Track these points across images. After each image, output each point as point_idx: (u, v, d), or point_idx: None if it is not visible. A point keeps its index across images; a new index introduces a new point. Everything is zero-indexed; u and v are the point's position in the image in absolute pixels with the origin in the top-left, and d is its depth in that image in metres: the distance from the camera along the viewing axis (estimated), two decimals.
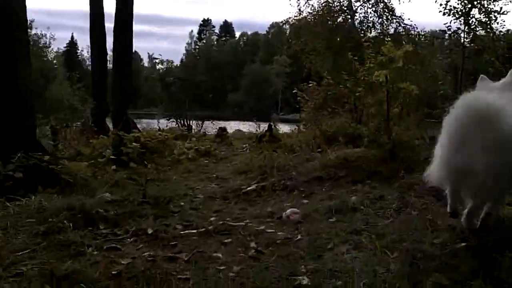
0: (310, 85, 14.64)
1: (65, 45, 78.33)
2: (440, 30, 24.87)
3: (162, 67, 14.92)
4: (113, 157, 9.24)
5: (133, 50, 15.80)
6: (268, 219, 5.46)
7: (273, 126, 13.05)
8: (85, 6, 13.95)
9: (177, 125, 14.20)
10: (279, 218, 5.36)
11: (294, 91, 15.43)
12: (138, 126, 14.94)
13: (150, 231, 4.73)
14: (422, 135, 7.84)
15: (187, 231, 4.87)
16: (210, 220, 5.38)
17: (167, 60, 14.98)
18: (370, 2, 26.47)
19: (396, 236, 4.08)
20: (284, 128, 19.53)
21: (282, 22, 26.54)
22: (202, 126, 14.64)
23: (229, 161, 10.63)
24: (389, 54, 8.09)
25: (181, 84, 14.82)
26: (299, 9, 26.14)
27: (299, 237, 4.58)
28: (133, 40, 14.00)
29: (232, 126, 20.24)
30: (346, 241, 4.19)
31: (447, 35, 19.64)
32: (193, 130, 14.47)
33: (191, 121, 14.60)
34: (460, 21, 19.46)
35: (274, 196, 6.63)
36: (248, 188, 7.07)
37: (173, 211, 5.83)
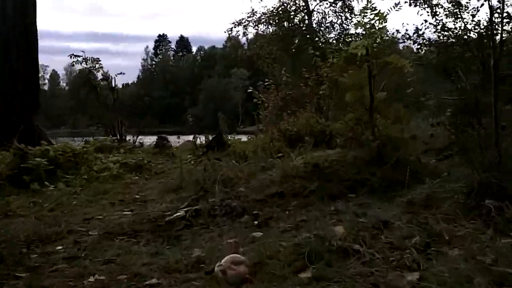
0: (267, 82, 12.40)
1: None
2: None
3: (86, 66, 12.15)
4: None
5: None
6: (192, 273, 3.08)
7: (223, 133, 10.68)
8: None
9: (106, 137, 11.64)
10: (209, 272, 2.98)
11: (249, 91, 13.13)
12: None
13: None
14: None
15: None
16: (87, 282, 2.94)
17: (91, 58, 12.17)
18: (328, 1, 24.64)
19: None
20: (243, 139, 17.28)
21: (234, 23, 24.15)
22: (137, 137, 12.06)
23: (165, 176, 8.16)
24: (366, 19, 5.90)
25: (109, 84, 12.13)
26: (252, 9, 24.00)
27: None
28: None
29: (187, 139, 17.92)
30: None
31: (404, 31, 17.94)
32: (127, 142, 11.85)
33: (122, 130, 11.99)
34: (427, 12, 17.88)
35: (211, 227, 4.27)
36: (175, 215, 4.68)
37: (28, 266, 3.34)
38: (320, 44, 23.27)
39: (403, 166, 4.87)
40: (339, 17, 24.97)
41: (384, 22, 5.71)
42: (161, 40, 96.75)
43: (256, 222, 4.21)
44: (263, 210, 4.56)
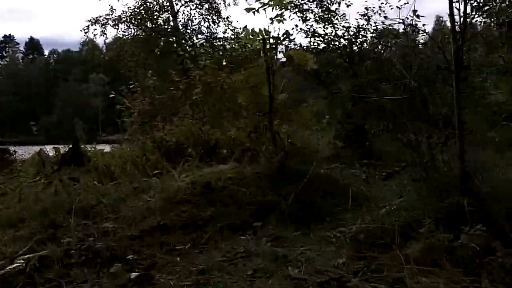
0: (131, 86, 10.91)
1: None
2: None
3: None
4: None
5: None
6: None
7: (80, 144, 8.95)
8: None
9: None
10: None
11: (111, 96, 11.50)
12: None
13: None
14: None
15: None
16: None
17: None
18: (194, 3, 23.60)
19: None
20: (106, 149, 15.31)
21: (91, 21, 21.78)
22: None
23: (3, 201, 6.34)
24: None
25: None
26: (111, 7, 21.95)
27: None
28: None
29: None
30: None
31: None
32: None
33: None
34: (298, 17, 17.73)
35: (65, 286, 2.87)
36: (9, 268, 3.18)
37: None
38: (187, 47, 22.22)
39: (317, 184, 3.93)
40: (206, 20, 24.11)
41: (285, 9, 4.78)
42: (8, 41, 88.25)
43: (132, 276, 2.91)
44: (141, 253, 3.29)
